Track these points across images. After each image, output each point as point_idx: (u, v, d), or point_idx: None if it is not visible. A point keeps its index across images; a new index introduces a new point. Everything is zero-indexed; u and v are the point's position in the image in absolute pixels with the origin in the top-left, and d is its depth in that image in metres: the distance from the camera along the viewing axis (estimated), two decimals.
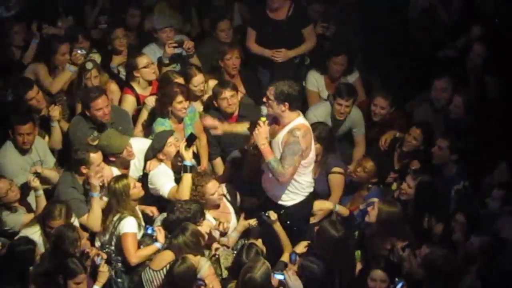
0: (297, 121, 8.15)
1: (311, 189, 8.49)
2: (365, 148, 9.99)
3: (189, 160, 8.61)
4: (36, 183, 8.59)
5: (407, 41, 10.61)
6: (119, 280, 8.30)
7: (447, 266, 7.30)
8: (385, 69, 10.65)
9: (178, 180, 8.71)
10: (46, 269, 7.72)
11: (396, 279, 7.27)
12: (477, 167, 8.79)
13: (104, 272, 7.96)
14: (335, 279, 7.65)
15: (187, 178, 8.53)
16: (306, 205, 8.51)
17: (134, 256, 8.17)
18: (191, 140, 8.68)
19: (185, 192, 8.46)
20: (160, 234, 8.21)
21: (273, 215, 8.28)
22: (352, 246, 8.36)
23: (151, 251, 8.20)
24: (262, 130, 8.10)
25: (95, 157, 8.61)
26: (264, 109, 8.26)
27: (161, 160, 8.85)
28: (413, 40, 10.65)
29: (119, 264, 8.32)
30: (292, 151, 8.00)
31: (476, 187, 8.62)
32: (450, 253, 7.42)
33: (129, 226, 8.24)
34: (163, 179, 8.70)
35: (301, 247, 8.17)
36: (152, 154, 8.91)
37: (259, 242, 8.15)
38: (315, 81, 10.56)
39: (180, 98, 9.20)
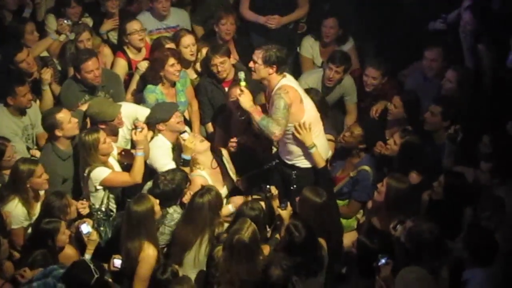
0: (281, 82, 8.11)
1: (326, 154, 8.44)
2: (356, 116, 9.88)
3: (188, 154, 8.49)
4: None
5: (401, 12, 10.40)
6: (101, 228, 8.19)
7: (432, 238, 7.15)
8: (379, 39, 10.52)
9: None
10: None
11: (379, 255, 7.05)
12: (469, 136, 8.53)
13: (95, 240, 7.88)
14: (318, 250, 7.45)
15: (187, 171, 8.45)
16: (314, 172, 8.36)
17: (133, 176, 8.19)
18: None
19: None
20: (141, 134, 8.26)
21: (274, 190, 8.17)
22: (336, 211, 8.29)
23: (140, 162, 8.22)
24: (246, 94, 8.11)
25: (62, 116, 8.43)
26: (242, 73, 8.19)
27: (159, 131, 8.72)
28: (407, 11, 10.42)
29: (100, 214, 8.26)
30: (277, 106, 7.97)
31: (468, 156, 8.42)
32: (434, 225, 7.24)
33: (102, 172, 8.19)
34: (163, 159, 8.61)
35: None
36: (152, 123, 8.73)
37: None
38: (310, 48, 10.49)
39: (172, 60, 9.08)
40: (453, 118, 8.64)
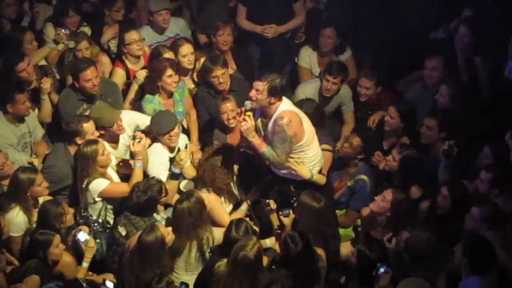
0: (280, 108, 7.97)
1: (321, 164, 8.37)
2: (354, 125, 9.79)
3: (177, 169, 8.47)
4: None
5: (400, 21, 10.29)
6: (97, 241, 8.15)
7: (430, 248, 7.21)
8: (377, 49, 10.44)
9: (172, 159, 8.62)
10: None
11: (378, 264, 7.04)
12: (466, 148, 8.52)
13: (92, 248, 7.85)
14: (315, 262, 7.44)
15: (174, 184, 8.47)
16: (313, 184, 8.32)
17: (132, 185, 8.11)
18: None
19: (170, 196, 8.34)
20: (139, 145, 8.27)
21: (273, 204, 8.17)
22: (333, 216, 8.27)
23: (138, 173, 8.25)
24: (250, 125, 7.91)
25: (88, 126, 8.46)
26: (248, 104, 7.97)
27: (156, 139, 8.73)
28: (406, 21, 10.32)
29: (96, 225, 8.23)
30: (281, 139, 7.89)
31: (465, 168, 8.43)
32: (432, 235, 7.31)
33: (100, 184, 8.18)
34: (158, 167, 8.59)
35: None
36: (151, 132, 8.73)
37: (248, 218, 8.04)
38: (308, 58, 10.44)
39: (169, 71, 9.03)
40: (448, 131, 8.63)
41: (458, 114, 8.84)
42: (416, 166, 8.43)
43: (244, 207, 8.46)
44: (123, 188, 8.24)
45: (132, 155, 8.50)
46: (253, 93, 7.91)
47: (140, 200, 7.87)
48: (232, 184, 8.57)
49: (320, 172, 8.45)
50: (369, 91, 9.60)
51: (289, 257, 7.25)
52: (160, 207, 8.35)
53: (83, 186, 8.19)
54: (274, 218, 8.18)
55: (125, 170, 8.62)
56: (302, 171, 8.14)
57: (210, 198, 8.21)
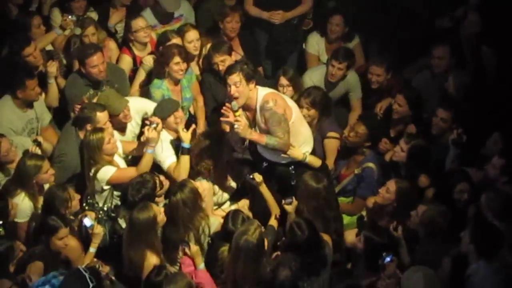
0: (260, 95, 7.90)
1: (311, 144, 8.32)
2: (360, 112, 9.73)
3: (187, 143, 8.34)
4: (37, 152, 8.40)
5: (407, 8, 10.28)
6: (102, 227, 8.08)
7: (445, 221, 7.30)
8: (385, 36, 10.39)
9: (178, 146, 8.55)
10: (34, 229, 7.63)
11: (384, 253, 7.03)
12: (474, 136, 8.51)
13: (99, 234, 7.80)
14: (321, 248, 7.38)
15: (185, 159, 8.32)
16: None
17: (140, 170, 8.10)
18: (190, 120, 8.55)
19: (182, 172, 8.27)
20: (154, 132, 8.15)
21: (258, 177, 8.08)
22: (334, 198, 8.18)
23: (149, 158, 8.17)
24: (243, 123, 7.80)
25: (102, 116, 8.38)
26: (235, 104, 7.81)
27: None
28: (413, 7, 10.32)
29: (101, 213, 8.20)
30: (276, 122, 7.83)
31: (473, 156, 8.40)
32: (447, 210, 7.39)
33: (107, 172, 8.11)
34: (166, 152, 8.50)
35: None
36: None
37: (244, 209, 7.99)
38: (316, 44, 10.37)
39: (177, 59, 8.96)
40: (459, 121, 8.61)
41: (468, 104, 8.80)
42: (424, 155, 8.39)
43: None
44: (131, 173, 8.18)
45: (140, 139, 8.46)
46: (233, 90, 7.79)
47: (136, 198, 7.80)
48: (228, 174, 8.51)
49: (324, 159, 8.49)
50: (380, 78, 9.55)
51: (295, 244, 7.20)
52: (159, 199, 8.26)
53: (91, 174, 8.14)
54: (263, 190, 8.11)
55: (136, 152, 8.56)
56: (294, 154, 8.08)
57: (204, 187, 8.16)
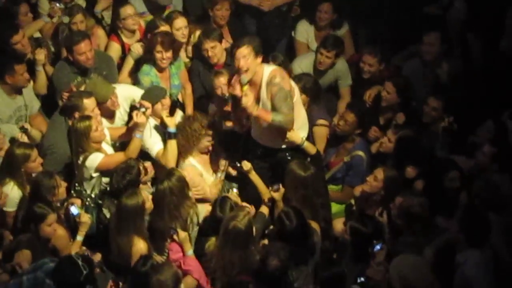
0: (266, 70, 7.89)
1: (306, 129, 8.31)
2: (350, 99, 9.71)
3: (172, 127, 8.32)
4: (24, 139, 8.36)
5: None
6: (88, 216, 7.98)
7: (424, 211, 7.27)
8: (373, 24, 10.39)
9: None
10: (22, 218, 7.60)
11: (375, 241, 7.02)
12: (464, 124, 8.56)
13: (86, 222, 7.74)
14: (309, 237, 7.39)
15: (172, 144, 8.30)
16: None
17: (127, 155, 8.11)
18: (173, 105, 8.47)
19: (170, 158, 8.27)
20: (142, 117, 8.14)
21: (246, 165, 8.06)
22: (323, 186, 8.19)
23: (137, 143, 8.19)
24: (251, 98, 7.77)
25: (89, 102, 8.31)
26: (244, 78, 7.82)
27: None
28: None
29: (89, 200, 8.12)
30: (283, 97, 7.78)
31: (463, 144, 8.44)
32: (424, 199, 7.36)
33: (95, 158, 8.05)
34: (153, 138, 8.47)
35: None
36: None
37: (233, 196, 7.90)
38: (305, 32, 10.32)
39: (159, 47, 8.93)
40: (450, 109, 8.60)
41: (459, 91, 8.79)
42: (412, 146, 8.34)
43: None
44: (119, 158, 8.14)
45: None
46: (242, 62, 7.76)
47: (120, 185, 7.77)
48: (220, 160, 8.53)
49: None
50: (372, 68, 9.52)
51: (284, 233, 7.20)
52: (144, 186, 8.19)
53: (79, 162, 8.10)
54: (253, 177, 8.09)
55: (125, 137, 8.51)
56: (293, 136, 8.06)
57: (188, 171, 8.14)
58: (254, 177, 8.10)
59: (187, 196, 7.75)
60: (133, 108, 8.57)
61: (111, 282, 7.27)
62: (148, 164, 8.24)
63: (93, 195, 8.17)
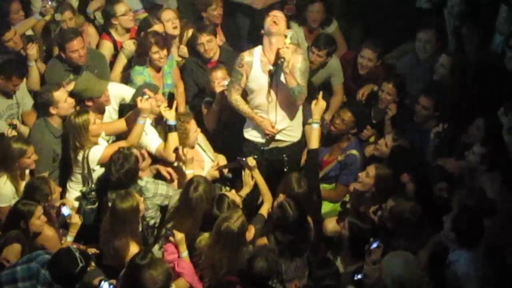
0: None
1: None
2: (342, 97, 9.68)
3: (172, 120, 8.23)
4: (12, 134, 8.32)
5: None
6: (88, 207, 8.06)
7: (414, 215, 7.21)
8: (365, 21, 10.34)
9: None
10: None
11: (371, 239, 6.97)
12: (456, 123, 8.43)
13: (76, 223, 7.70)
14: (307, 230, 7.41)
15: (173, 137, 8.20)
16: (303, 143, 8.42)
17: (130, 141, 8.11)
18: (170, 99, 8.39)
19: (172, 150, 8.17)
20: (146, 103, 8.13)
21: (251, 161, 7.99)
22: (318, 202, 8.13)
23: (140, 129, 8.16)
24: (291, 48, 8.02)
25: (59, 94, 8.27)
26: (290, 33, 8.10)
27: None
28: None
29: (92, 194, 8.07)
30: (305, 69, 8.10)
31: (455, 143, 8.34)
32: (416, 204, 7.29)
33: (97, 151, 8.03)
34: (150, 135, 8.39)
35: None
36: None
37: (231, 193, 7.81)
38: (294, 34, 10.00)
39: (155, 48, 8.88)
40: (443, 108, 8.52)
41: (452, 88, 8.72)
42: (407, 156, 8.23)
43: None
44: (122, 146, 8.06)
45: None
46: (276, 19, 8.06)
47: (120, 174, 7.71)
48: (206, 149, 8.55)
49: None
50: (370, 63, 9.41)
51: (285, 221, 7.19)
52: (143, 173, 8.15)
53: (79, 158, 8.05)
54: (256, 175, 8.07)
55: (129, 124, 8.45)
56: (318, 109, 8.20)
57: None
58: (257, 175, 8.06)
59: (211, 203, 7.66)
60: (123, 106, 8.61)
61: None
62: (143, 151, 8.16)
63: (96, 187, 8.12)
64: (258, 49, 8.19)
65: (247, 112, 8.30)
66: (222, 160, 8.59)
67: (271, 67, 8.05)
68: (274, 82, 8.08)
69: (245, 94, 8.32)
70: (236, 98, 8.31)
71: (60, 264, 6.59)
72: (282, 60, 7.91)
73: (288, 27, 8.36)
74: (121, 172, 7.70)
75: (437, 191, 7.78)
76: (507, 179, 7.56)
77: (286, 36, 7.98)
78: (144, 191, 7.83)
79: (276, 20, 7.98)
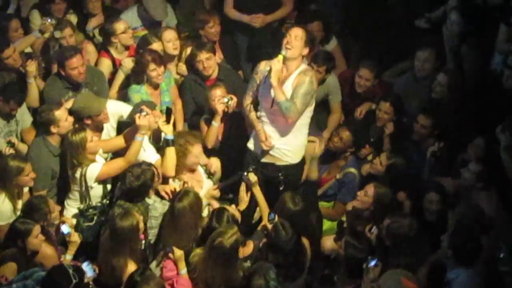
0: (303, 65, 8.09)
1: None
2: (340, 115, 9.68)
3: (170, 134, 8.19)
4: (10, 152, 8.27)
5: (387, 12, 10.23)
6: (88, 224, 8.07)
7: (411, 231, 7.24)
8: (364, 39, 10.35)
9: (157, 149, 8.40)
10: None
11: (369, 257, 6.99)
12: (454, 141, 8.49)
13: (76, 241, 7.68)
14: (300, 255, 7.41)
15: (170, 152, 8.13)
16: (301, 167, 8.32)
17: (128, 158, 8.04)
18: (168, 114, 8.31)
19: (170, 165, 8.10)
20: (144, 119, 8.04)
21: (252, 177, 7.94)
22: (316, 219, 8.16)
23: (138, 146, 8.07)
24: (279, 67, 7.85)
25: (60, 113, 8.23)
26: (284, 51, 7.93)
27: None
28: (393, 11, 10.27)
29: (90, 211, 8.09)
30: (306, 91, 7.91)
31: (452, 161, 8.37)
32: (413, 221, 7.32)
33: (95, 169, 8.01)
34: (148, 151, 8.34)
35: None
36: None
37: (231, 208, 7.78)
38: None
39: (152, 66, 8.87)
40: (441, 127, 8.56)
41: (450, 106, 8.72)
42: (402, 174, 8.28)
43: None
44: (119, 164, 8.07)
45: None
46: (291, 39, 7.89)
47: (133, 185, 7.68)
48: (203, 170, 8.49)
49: None
50: (368, 83, 9.43)
51: (278, 244, 7.18)
52: (151, 193, 8.09)
53: (77, 176, 8.03)
54: (256, 191, 8.02)
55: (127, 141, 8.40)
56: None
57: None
58: (257, 191, 8.01)
59: (200, 215, 7.67)
60: (121, 123, 8.59)
61: None
62: (159, 169, 8.12)
63: (94, 204, 8.11)
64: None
65: (252, 120, 8.28)
66: (215, 162, 8.58)
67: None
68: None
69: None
70: (247, 104, 8.32)
71: (54, 281, 6.60)
72: (268, 70, 7.89)
73: None
74: (136, 183, 7.69)
75: (427, 204, 7.78)
76: (503, 196, 7.58)
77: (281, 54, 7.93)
78: (152, 209, 7.86)
79: (289, 46, 7.91)
